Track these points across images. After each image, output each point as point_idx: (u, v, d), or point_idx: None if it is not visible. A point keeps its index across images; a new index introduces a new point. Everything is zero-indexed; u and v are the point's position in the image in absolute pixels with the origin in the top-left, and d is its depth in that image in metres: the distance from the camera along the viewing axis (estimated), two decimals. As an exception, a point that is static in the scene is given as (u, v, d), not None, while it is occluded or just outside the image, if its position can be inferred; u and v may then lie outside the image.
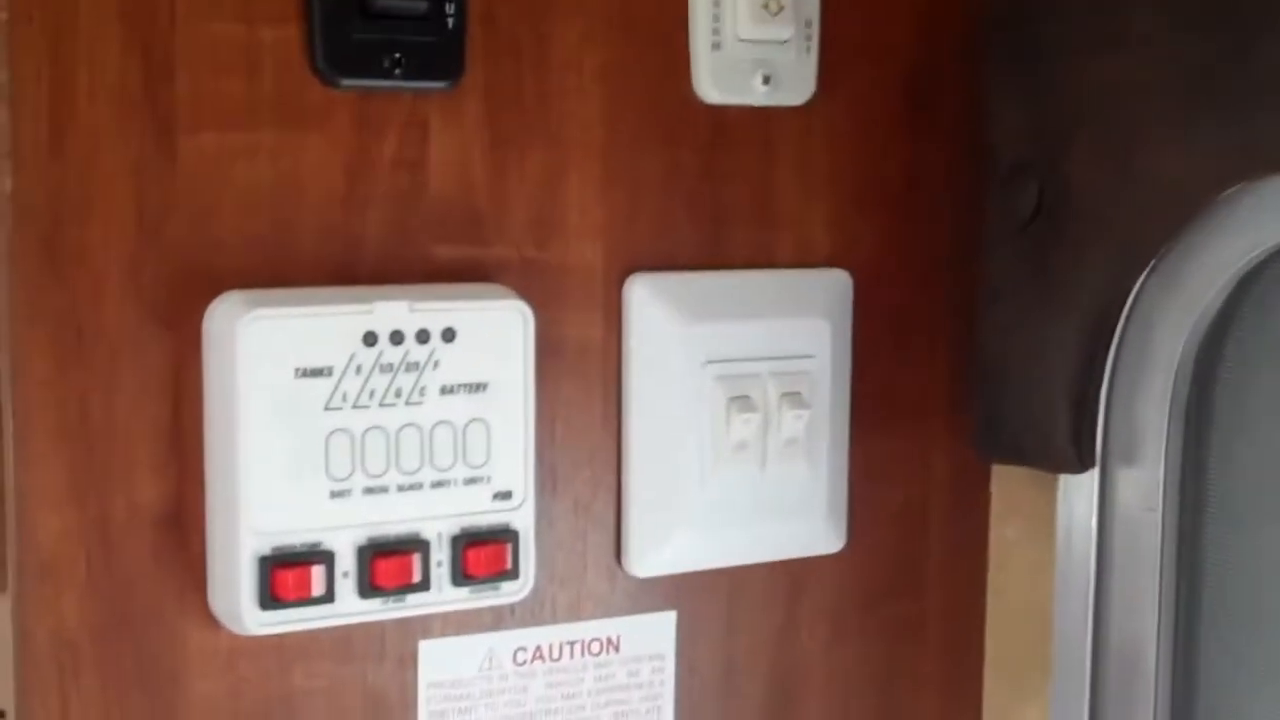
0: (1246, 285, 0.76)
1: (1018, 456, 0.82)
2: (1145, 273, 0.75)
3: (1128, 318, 0.77)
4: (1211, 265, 0.75)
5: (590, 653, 0.78)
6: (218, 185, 0.68)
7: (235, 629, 0.68)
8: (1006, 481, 0.86)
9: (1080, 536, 0.82)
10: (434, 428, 0.70)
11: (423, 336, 0.69)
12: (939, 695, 0.88)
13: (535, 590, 0.74)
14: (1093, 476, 0.80)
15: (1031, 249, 0.78)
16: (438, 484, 0.70)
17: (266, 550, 0.67)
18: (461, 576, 0.71)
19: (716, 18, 0.76)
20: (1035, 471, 0.82)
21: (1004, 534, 0.87)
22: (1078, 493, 0.81)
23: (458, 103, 0.72)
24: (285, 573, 0.67)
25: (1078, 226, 0.76)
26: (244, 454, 0.66)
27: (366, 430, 0.68)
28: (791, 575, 0.83)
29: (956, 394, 0.85)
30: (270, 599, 0.67)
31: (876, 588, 0.86)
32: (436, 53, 0.71)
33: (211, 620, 0.69)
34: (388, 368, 0.69)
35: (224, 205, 0.68)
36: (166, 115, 0.67)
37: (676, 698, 0.80)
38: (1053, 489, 0.82)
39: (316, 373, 0.67)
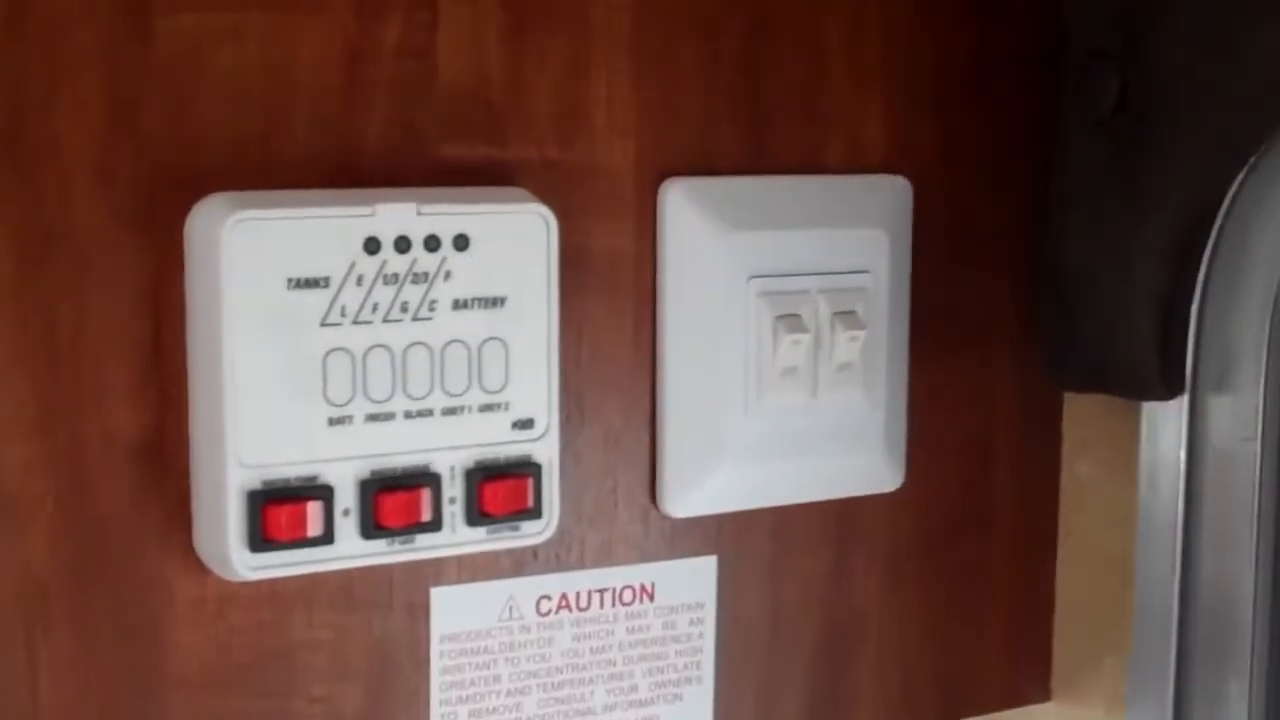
0: (1360, 183, 0.70)
1: (1096, 383, 0.76)
2: (1244, 170, 0.69)
3: (1223, 223, 0.71)
4: (1321, 161, 0.69)
5: (622, 601, 0.72)
6: (199, 73, 0.61)
7: (223, 573, 0.62)
8: (1082, 411, 0.81)
9: (1166, 472, 0.76)
10: (445, 347, 0.63)
11: (432, 244, 0.62)
12: (1005, 648, 0.83)
13: (560, 532, 0.67)
14: (1181, 404, 0.74)
15: (1113, 147, 0.72)
16: (450, 411, 0.63)
17: (256, 484, 0.60)
18: (477, 515, 0.64)
19: (760, -111, 0.70)
20: (1115, 400, 0.77)
21: (1078, 470, 0.82)
22: (1164, 423, 0.76)
23: (470, -20, 0.65)
24: (278, 510, 0.60)
25: (1166, 119, 0.70)
26: (230, 376, 0.60)
27: (369, 349, 0.62)
28: (844, 515, 0.77)
29: (1027, 313, 0.80)
30: (261, 540, 0.60)
31: (937, 530, 0.80)
32: (445, -78, 0.64)
33: (197, 563, 0.63)
34: (392, 278, 0.62)
35: (206, 96, 0.61)
36: (140, -9, 0.60)
37: (717, 651, 0.75)
38: (1135, 419, 0.77)
39: (311, 284, 0.61)
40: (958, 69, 0.77)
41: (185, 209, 0.61)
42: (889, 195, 0.75)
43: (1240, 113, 0.67)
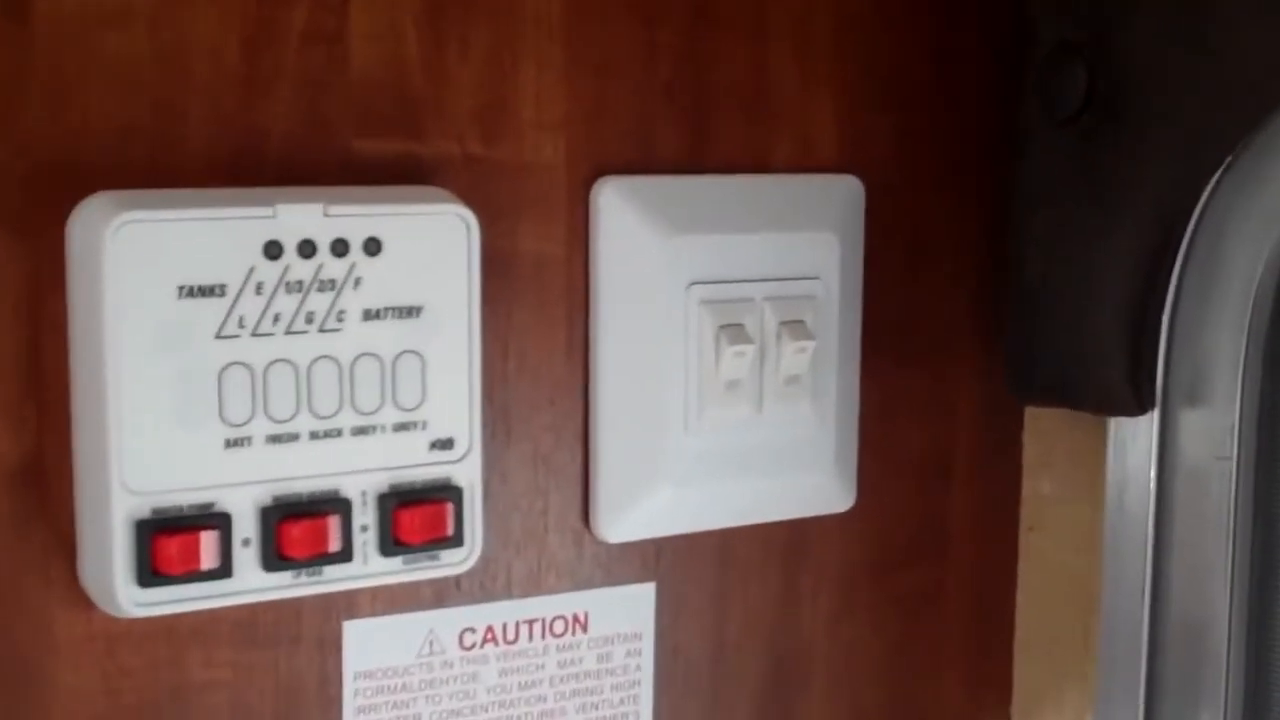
0: (1343, 186, 0.67)
1: (1059, 396, 0.73)
2: (1218, 172, 0.66)
3: (1196, 228, 0.68)
4: (1300, 163, 0.65)
5: (553, 633, 0.68)
6: (83, 61, 0.56)
7: (109, 609, 0.57)
8: (1044, 426, 0.78)
9: (1135, 491, 0.72)
10: (355, 361, 0.58)
11: (340, 248, 0.58)
12: (962, 676, 0.80)
13: (485, 559, 0.64)
14: (1151, 419, 0.71)
15: (1079, 147, 0.69)
16: (360, 430, 0.59)
17: (145, 513, 0.55)
18: (391, 544, 0.60)
19: None
20: (1079, 415, 0.74)
21: (1040, 488, 0.78)
22: (1133, 439, 0.72)
23: (385, -40, 0.61)
24: (168, 540, 0.55)
25: (1136, 118, 0.67)
26: (114, 394, 0.55)
27: (270, 364, 0.57)
28: (792, 538, 0.73)
29: (987, 323, 0.76)
30: (150, 573, 0.56)
31: (891, 552, 0.76)
32: (355, -103, 0.60)
33: (83, 599, 0.58)
34: (296, 286, 0.57)
35: (91, 86, 0.57)
36: (14, -30, 0.55)
37: (656, 685, 0.71)
38: (1101, 435, 0.73)
39: (206, 292, 0.56)
40: (914, 62, 0.73)
41: (67, 210, 0.56)
42: (840, 197, 0.71)
43: (1215, 111, 0.64)
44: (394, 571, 0.60)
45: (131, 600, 0.55)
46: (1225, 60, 0.63)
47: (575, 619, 0.68)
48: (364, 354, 0.58)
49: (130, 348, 0.55)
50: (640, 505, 0.68)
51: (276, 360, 0.57)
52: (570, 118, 0.65)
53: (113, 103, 0.57)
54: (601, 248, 0.66)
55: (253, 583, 0.57)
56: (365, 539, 0.59)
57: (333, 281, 0.57)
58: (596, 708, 0.69)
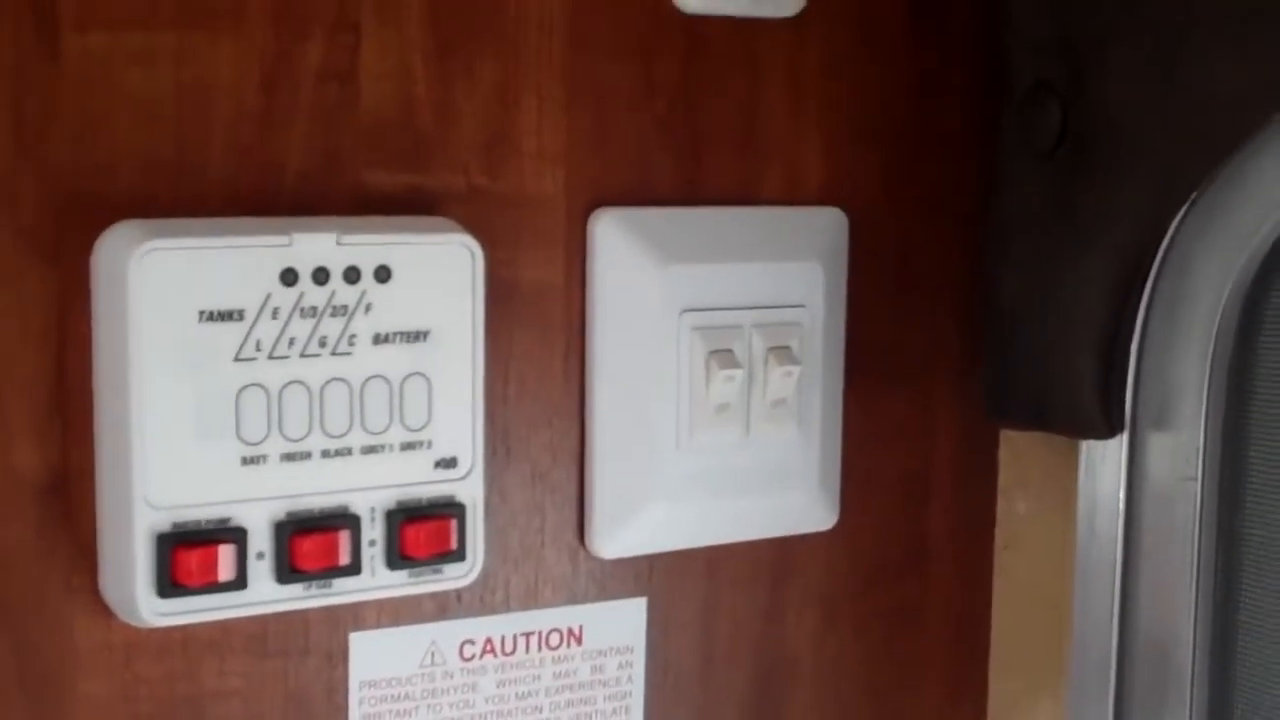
0: (1302, 221, 0.68)
1: (1034, 420, 0.74)
2: (1185, 207, 0.68)
3: (1164, 259, 0.69)
4: (1262, 198, 0.67)
5: (549, 645, 0.69)
6: (109, 96, 0.58)
7: (130, 619, 0.58)
8: (1019, 449, 0.79)
9: (1105, 511, 0.74)
10: (365, 383, 0.60)
11: (352, 275, 0.60)
12: (940, 689, 0.81)
13: (485, 574, 0.65)
14: (1120, 442, 0.73)
15: (1054, 181, 0.70)
16: (370, 449, 0.61)
17: (165, 527, 0.57)
18: (398, 558, 0.61)
19: (695, -87, 0.67)
20: (1052, 437, 0.75)
21: (1015, 508, 0.79)
22: (1102, 461, 0.74)
23: (395, 2, 0.63)
24: (188, 553, 0.57)
25: (1108, 153, 0.68)
26: (138, 413, 0.57)
27: (285, 385, 0.59)
28: (778, 555, 0.75)
29: (965, 349, 0.77)
30: (170, 584, 0.57)
31: (872, 569, 0.77)
32: (368, -58, 0.61)
33: (103, 609, 0.60)
34: (310, 311, 0.59)
35: (117, 120, 0.59)
36: (47, 10, 0.57)
37: (647, 696, 0.72)
38: (1073, 457, 0.75)
39: (225, 316, 0.58)
40: (897, 100, 0.75)
41: (93, 237, 0.58)
42: (825, 228, 0.73)
43: (1183, 147, 0.65)
44: (400, 584, 0.62)
45: (152, 610, 0.57)
46: (1192, 100, 0.64)
47: (570, 632, 0.70)
48: (373, 376, 0.60)
49: (153, 369, 0.56)
50: (633, 522, 0.69)
51: (291, 382, 0.59)
52: (570, 151, 0.67)
53: (137, 135, 0.59)
54: (599, 276, 0.67)
55: (266, 594, 0.59)
56: (373, 553, 0.61)
57: (345, 307, 0.59)
58: (590, 717, 0.70)
